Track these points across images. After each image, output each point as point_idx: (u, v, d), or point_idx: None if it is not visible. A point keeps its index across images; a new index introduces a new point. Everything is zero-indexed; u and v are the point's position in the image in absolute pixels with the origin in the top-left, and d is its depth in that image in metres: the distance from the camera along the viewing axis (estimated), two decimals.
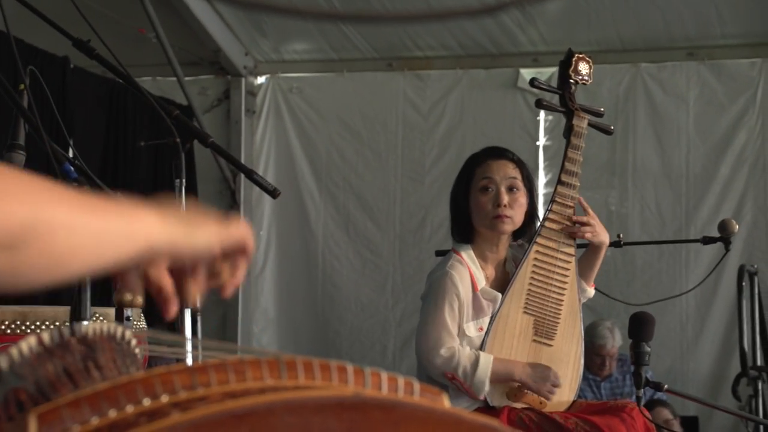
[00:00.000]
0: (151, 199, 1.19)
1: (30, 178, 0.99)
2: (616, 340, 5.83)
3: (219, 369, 1.02)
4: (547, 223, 3.41)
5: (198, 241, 1.19)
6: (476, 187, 3.43)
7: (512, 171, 3.44)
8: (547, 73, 6.18)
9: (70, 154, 2.53)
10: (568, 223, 3.41)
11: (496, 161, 3.46)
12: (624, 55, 6.54)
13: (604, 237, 3.44)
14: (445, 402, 1.08)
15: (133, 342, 1.35)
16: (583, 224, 3.40)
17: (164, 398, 0.98)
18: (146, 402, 0.97)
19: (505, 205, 3.37)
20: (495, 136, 6.38)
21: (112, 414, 0.95)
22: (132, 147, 6.31)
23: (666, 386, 3.11)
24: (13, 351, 1.11)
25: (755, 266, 4.57)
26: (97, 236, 1.05)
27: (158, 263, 1.20)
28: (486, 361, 3.26)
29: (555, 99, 3.63)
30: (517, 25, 6.35)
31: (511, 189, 3.41)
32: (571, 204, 3.43)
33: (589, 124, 3.54)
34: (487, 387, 3.26)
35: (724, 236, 3.84)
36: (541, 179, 6.51)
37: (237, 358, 1.11)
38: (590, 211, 3.43)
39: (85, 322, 2.22)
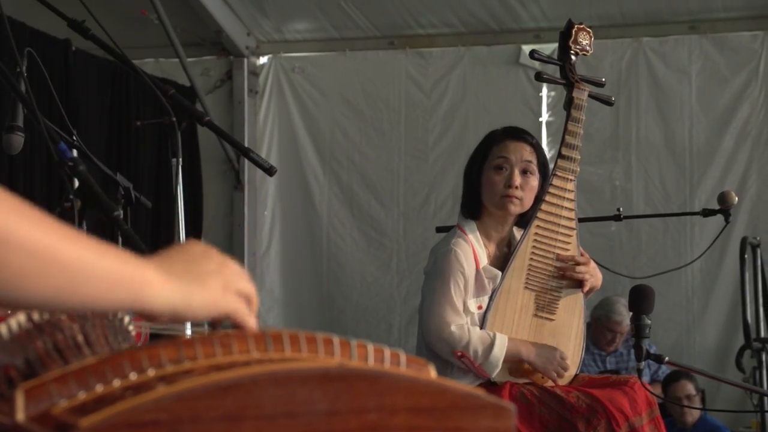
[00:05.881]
0: (155, 251, 1.09)
1: (3, 190, 0.88)
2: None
3: (205, 343, 1.03)
4: (547, 197, 3.40)
5: (197, 308, 1.09)
6: (491, 165, 3.42)
7: (528, 154, 3.42)
8: (549, 49, 6.14)
9: (73, 137, 2.54)
10: (568, 197, 3.40)
11: (514, 142, 3.44)
12: (626, 30, 6.51)
13: (596, 282, 3.45)
14: (431, 372, 1.08)
15: (126, 319, 1.36)
16: (579, 264, 3.38)
17: (151, 372, 0.99)
18: (133, 376, 0.98)
19: (516, 187, 3.35)
20: (498, 113, 6.37)
21: (99, 388, 0.97)
22: (136, 129, 6.31)
23: (667, 359, 3.11)
24: (2, 328, 1.12)
25: (758, 238, 4.56)
26: (66, 268, 0.92)
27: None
28: (501, 342, 3.26)
29: (555, 73, 3.62)
30: (519, 1, 6.33)
31: (524, 172, 3.39)
32: (572, 177, 3.42)
33: (590, 96, 3.53)
34: (499, 368, 3.27)
35: (724, 208, 3.82)
36: None
37: (224, 332, 1.12)
38: (587, 256, 3.42)
39: None
